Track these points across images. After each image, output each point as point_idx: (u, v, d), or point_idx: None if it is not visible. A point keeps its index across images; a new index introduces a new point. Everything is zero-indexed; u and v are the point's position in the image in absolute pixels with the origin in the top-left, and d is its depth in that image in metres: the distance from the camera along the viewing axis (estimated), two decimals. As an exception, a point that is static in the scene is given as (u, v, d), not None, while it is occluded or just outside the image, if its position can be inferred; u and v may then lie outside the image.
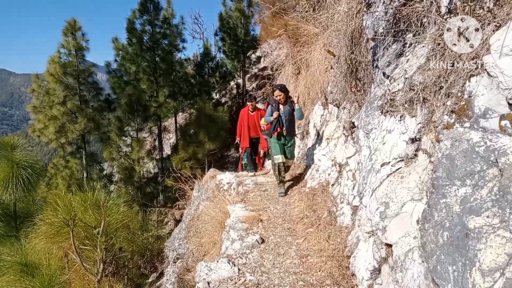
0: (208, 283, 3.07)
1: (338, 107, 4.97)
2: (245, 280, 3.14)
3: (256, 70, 18.78)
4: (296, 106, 5.22)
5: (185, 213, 7.46)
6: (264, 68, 17.75)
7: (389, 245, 2.42)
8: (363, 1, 3.75)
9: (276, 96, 5.29)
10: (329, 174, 4.64)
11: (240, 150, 7.84)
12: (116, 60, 14.17)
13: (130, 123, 13.80)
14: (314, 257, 3.41)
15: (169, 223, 10.60)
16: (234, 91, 19.66)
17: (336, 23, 4.45)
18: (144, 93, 13.37)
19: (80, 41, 13.10)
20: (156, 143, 15.28)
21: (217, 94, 19.20)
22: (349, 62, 4.04)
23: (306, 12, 5.91)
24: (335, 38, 4.51)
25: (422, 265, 1.90)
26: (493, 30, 1.73)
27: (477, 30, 1.87)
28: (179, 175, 7.85)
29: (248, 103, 7.48)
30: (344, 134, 4.52)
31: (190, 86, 15.12)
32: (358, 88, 4.02)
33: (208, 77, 17.42)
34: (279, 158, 5.36)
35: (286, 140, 5.48)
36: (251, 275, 3.24)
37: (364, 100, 3.71)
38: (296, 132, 6.70)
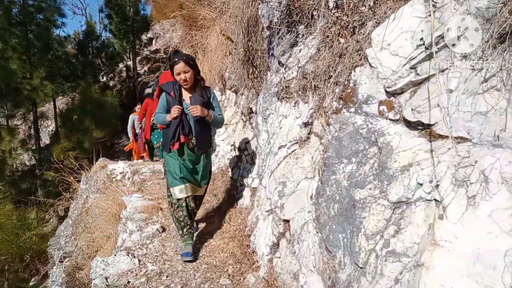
0: (106, 278, 2.89)
1: (236, 93, 5.08)
2: (146, 271, 3.05)
3: (147, 52, 17.84)
4: (214, 112, 3.19)
5: (72, 208, 6.84)
6: (157, 51, 16.94)
7: (286, 221, 2.61)
8: (259, -10, 3.87)
9: (179, 74, 3.03)
10: (228, 159, 4.75)
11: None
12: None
13: (-2, 109, 11.81)
14: (216, 240, 3.49)
15: (51, 220, 9.52)
16: (124, 74, 18.39)
17: (233, 9, 4.49)
18: (14, 74, 11.51)
19: None
20: (32, 131, 13.40)
21: (104, 77, 17.71)
22: (246, 50, 4.15)
23: (202, -5, 5.83)
24: (232, 24, 4.56)
25: (317, 236, 2.11)
26: (374, 26, 1.99)
27: (360, 25, 2.12)
28: (61, 166, 7.08)
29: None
30: (242, 119, 4.66)
31: (72, 67, 13.61)
32: (255, 75, 4.17)
33: (93, 57, 15.90)
34: (181, 191, 3.12)
35: (197, 157, 3.24)
36: (152, 264, 3.16)
37: (261, 86, 3.88)
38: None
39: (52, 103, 14.26)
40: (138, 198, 4.55)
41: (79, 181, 6.99)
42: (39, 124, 13.60)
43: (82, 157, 10.82)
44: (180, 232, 3.25)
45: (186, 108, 3.07)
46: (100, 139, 12.31)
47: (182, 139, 3.07)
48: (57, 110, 14.01)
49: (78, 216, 6.04)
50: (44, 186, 11.90)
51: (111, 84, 17.74)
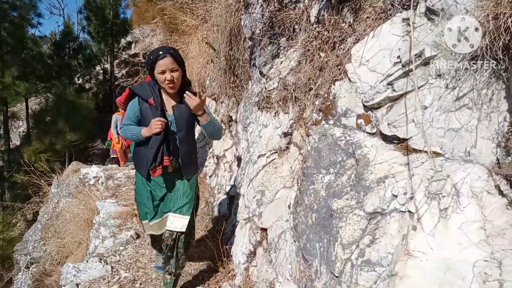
0: (77, 285, 2.80)
1: (216, 101, 5.08)
2: (119, 278, 2.97)
3: (126, 56, 17.59)
4: (209, 115, 2.38)
5: (41, 212, 6.61)
6: (136, 55, 16.77)
7: (264, 229, 2.63)
8: (242, 0, 3.92)
9: (163, 72, 2.19)
10: (206, 166, 4.73)
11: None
12: None
13: (-35, 108, 11.30)
14: (194, 248, 3.45)
15: (19, 225, 9.13)
16: (101, 77, 18.04)
17: (215, 18, 4.52)
18: (-16, 72, 11.11)
19: None
20: (1, 131, 12.88)
21: (80, 79, 17.30)
22: (227, 58, 4.17)
23: (185, 1, 5.82)
24: (214, 33, 4.59)
25: (294, 244, 2.14)
26: (354, 43, 2.06)
27: (340, 41, 2.20)
28: (32, 169, 6.83)
29: None
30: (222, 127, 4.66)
31: (47, 67, 13.22)
32: (236, 84, 4.19)
33: (70, 59, 15.50)
34: (150, 227, 2.49)
35: (173, 182, 2.45)
36: (126, 272, 3.09)
37: (242, 95, 3.91)
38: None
39: (24, 103, 13.78)
40: (112, 204, 4.45)
41: (50, 185, 6.77)
42: (10, 125, 13.11)
43: (54, 160, 10.50)
44: (156, 252, 2.95)
45: (170, 122, 2.31)
46: (74, 142, 11.98)
47: (167, 162, 2.33)
48: (30, 110, 13.56)
49: (48, 220, 5.84)
50: (12, 189, 11.45)
51: (87, 87, 17.33)
